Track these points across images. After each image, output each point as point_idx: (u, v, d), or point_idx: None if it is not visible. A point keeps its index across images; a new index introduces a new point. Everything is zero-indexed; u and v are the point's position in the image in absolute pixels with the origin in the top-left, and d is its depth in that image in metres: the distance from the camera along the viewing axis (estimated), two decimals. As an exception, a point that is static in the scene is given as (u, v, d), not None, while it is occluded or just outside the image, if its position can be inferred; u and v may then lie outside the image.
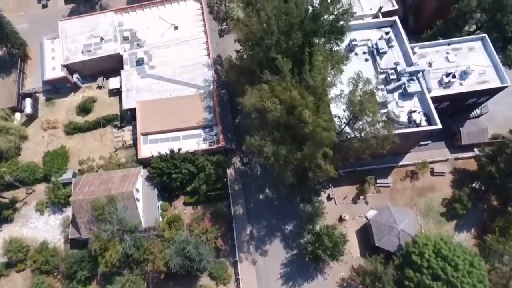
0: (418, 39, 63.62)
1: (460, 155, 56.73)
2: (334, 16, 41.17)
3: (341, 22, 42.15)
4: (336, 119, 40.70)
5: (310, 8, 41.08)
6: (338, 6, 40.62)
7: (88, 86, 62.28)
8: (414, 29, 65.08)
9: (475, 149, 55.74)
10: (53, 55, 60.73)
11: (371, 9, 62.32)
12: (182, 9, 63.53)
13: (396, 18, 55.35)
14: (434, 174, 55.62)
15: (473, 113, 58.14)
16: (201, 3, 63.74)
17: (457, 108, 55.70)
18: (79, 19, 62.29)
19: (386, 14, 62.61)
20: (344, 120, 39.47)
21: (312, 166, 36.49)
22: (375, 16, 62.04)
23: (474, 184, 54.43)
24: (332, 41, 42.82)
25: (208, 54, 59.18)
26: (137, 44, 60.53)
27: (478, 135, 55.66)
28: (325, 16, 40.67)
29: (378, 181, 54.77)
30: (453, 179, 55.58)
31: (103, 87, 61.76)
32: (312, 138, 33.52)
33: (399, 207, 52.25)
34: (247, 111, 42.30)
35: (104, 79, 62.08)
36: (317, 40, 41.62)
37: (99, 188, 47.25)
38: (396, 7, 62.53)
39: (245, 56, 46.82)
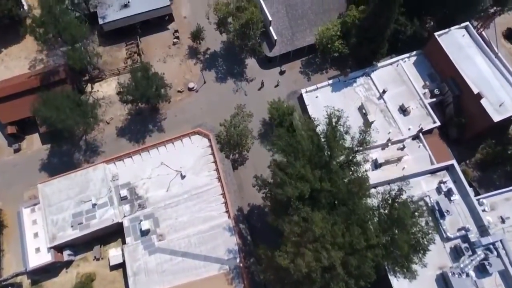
0: (461, 150, 55.81)
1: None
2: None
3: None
4: None
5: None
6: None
7: (83, 257, 51.01)
8: (456, 139, 56.35)
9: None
10: (35, 230, 49.19)
11: (409, 129, 53.24)
12: (187, 149, 52.93)
13: (453, 161, 46.41)
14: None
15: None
16: (209, 139, 53.41)
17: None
18: (64, 178, 50.80)
19: (427, 131, 54.04)
20: None
21: None
22: (415, 137, 53.18)
23: None
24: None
25: (228, 212, 48.91)
26: (139, 205, 49.70)
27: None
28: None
29: None
30: None
31: (102, 258, 50.68)
32: None
33: None
34: None
35: (102, 246, 51.03)
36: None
37: None
38: (438, 123, 53.52)
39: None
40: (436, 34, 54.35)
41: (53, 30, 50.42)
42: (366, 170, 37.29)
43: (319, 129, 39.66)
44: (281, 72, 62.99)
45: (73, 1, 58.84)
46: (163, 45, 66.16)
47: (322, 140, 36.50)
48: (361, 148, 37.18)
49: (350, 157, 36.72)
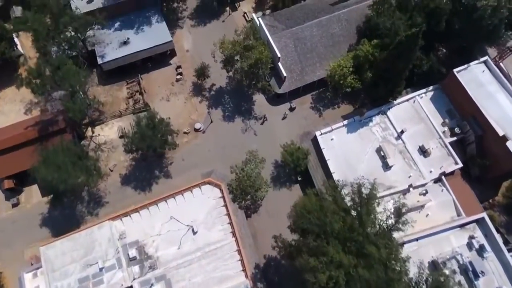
0: (483, 189, 53.32)
1: None
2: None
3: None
4: None
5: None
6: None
7: (90, 323, 47.90)
8: (478, 177, 53.85)
9: None
10: (39, 298, 46.11)
11: (431, 172, 50.70)
12: (197, 201, 49.72)
13: (484, 215, 43.88)
14: None
15: None
16: (220, 189, 50.37)
17: None
18: (67, 239, 47.32)
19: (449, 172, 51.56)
20: None
21: None
22: (437, 180, 50.62)
23: None
24: None
25: (245, 271, 46.00)
26: (149, 267, 46.49)
27: None
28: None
29: None
30: None
31: (111, 323, 47.53)
32: None
33: None
34: None
35: (110, 310, 47.93)
36: None
37: None
38: (460, 164, 50.94)
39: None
40: (455, 71, 51.83)
41: (50, 82, 47.13)
42: (401, 244, 34.55)
43: (344, 192, 36.88)
44: (291, 109, 60.14)
45: (70, 41, 55.63)
46: (166, 82, 63.04)
47: (353, 214, 33.66)
48: (399, 226, 34.48)
49: (385, 233, 34.01)
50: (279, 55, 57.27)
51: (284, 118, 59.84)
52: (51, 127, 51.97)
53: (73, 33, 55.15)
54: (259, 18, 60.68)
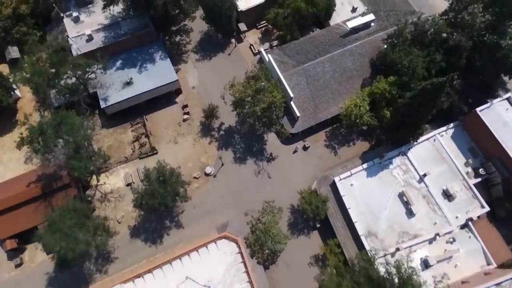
0: (509, 227, 51.09)
1: None
2: None
3: None
4: None
5: None
6: None
7: None
8: (503, 218, 51.72)
9: None
10: None
11: (457, 217, 48.41)
12: (214, 257, 47.11)
13: (520, 274, 41.66)
14: None
15: None
16: (237, 243, 47.70)
17: None
18: (77, 307, 44.91)
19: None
20: None
21: None
22: (464, 225, 48.34)
23: None
24: None
25: (267, 334, 43.50)
26: (166, 333, 43.95)
27: None
28: None
29: None
30: None
31: None
32: None
33: None
34: None
35: None
36: None
37: None
38: (487, 208, 48.76)
39: None
40: (477, 110, 49.66)
41: (53, 140, 44.16)
42: None
43: (377, 263, 34.41)
44: (305, 148, 57.59)
45: (71, 88, 52.65)
46: (172, 122, 60.09)
47: None
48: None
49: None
50: (291, 94, 54.71)
51: (295, 152, 57.38)
52: (55, 183, 48.96)
53: (74, 79, 52.24)
54: (268, 54, 58.04)
